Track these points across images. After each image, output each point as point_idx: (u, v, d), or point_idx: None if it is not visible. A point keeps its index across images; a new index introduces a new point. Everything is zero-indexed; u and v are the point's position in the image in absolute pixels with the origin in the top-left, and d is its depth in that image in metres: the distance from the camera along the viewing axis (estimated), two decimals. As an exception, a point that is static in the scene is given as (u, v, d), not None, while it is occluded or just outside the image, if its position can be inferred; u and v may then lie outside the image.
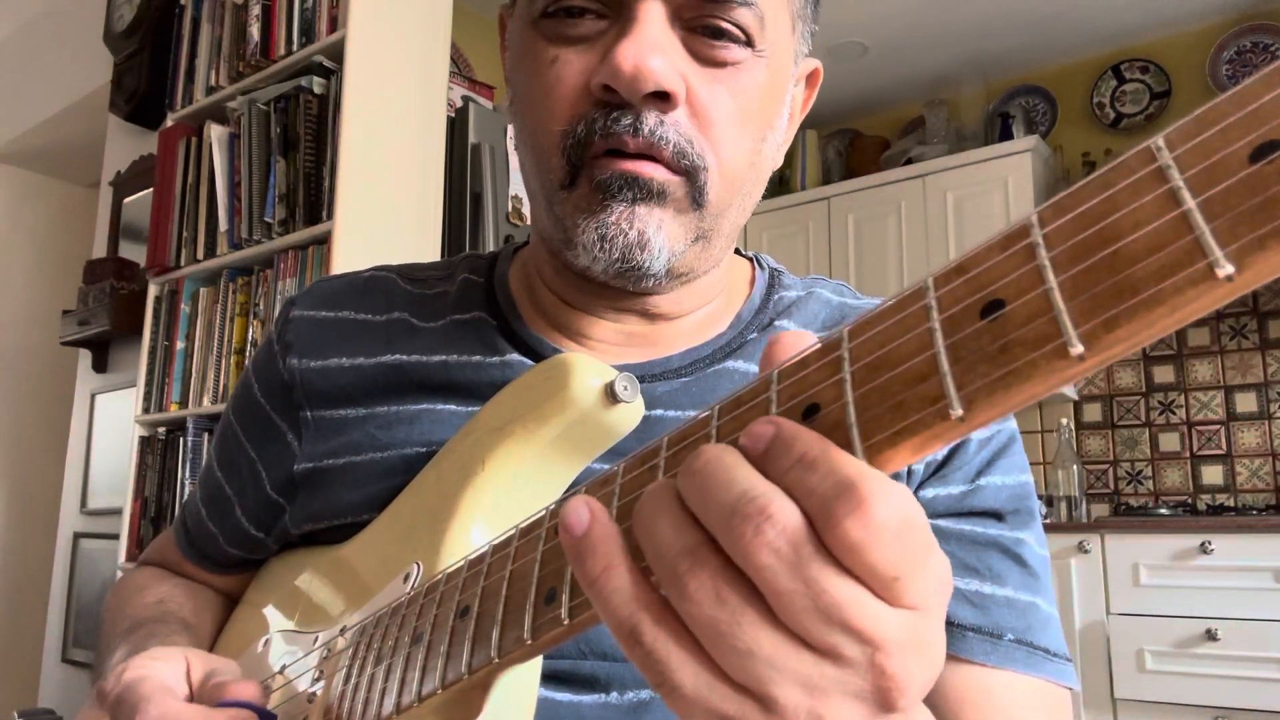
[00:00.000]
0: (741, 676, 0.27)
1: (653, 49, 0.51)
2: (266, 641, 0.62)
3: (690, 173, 0.54)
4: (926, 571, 0.27)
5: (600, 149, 0.54)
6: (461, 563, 0.43)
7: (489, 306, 0.66)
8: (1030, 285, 0.25)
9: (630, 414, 0.52)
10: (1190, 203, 0.22)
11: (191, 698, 0.52)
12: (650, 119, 0.53)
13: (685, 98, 0.53)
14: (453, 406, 0.62)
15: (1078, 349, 0.23)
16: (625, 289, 0.59)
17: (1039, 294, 0.24)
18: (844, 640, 0.26)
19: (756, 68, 0.55)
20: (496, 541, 0.41)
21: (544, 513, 0.39)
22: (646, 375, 0.61)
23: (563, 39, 0.55)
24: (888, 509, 0.26)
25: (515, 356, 0.62)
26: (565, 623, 0.34)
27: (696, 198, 0.55)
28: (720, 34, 0.53)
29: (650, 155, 0.53)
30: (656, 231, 0.54)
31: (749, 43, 0.54)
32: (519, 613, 0.36)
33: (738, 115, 0.55)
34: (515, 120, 0.60)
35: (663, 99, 0.52)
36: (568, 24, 0.54)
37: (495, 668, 0.37)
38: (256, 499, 0.69)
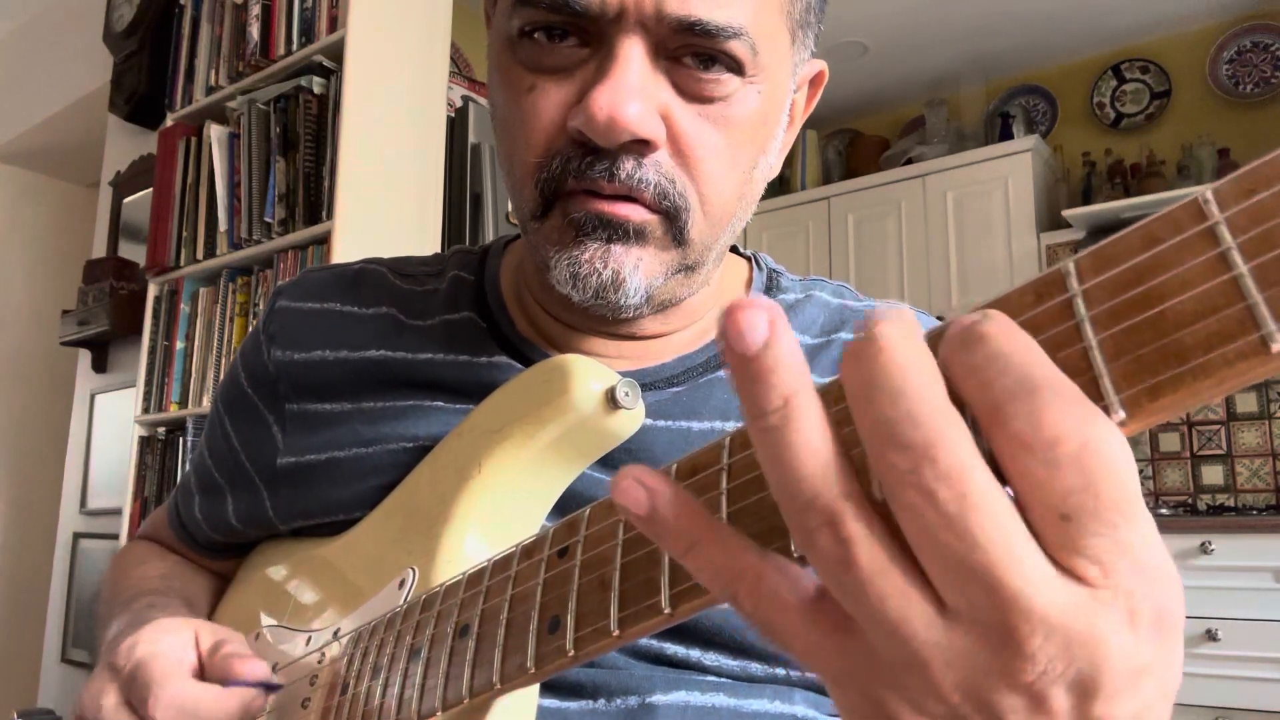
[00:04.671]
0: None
1: (629, 96, 0.48)
2: (257, 636, 0.62)
3: (671, 213, 0.52)
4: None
5: (575, 188, 0.51)
6: (460, 578, 0.43)
7: (478, 307, 0.65)
8: (1068, 341, 0.24)
9: (630, 420, 0.51)
10: (1243, 268, 0.21)
11: (200, 668, 0.52)
12: (628, 164, 0.50)
13: (668, 136, 0.51)
14: (440, 403, 0.60)
15: (1119, 415, 0.22)
16: (606, 317, 0.58)
17: (1077, 351, 0.23)
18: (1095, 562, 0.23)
19: (748, 96, 0.52)
20: (497, 559, 0.41)
21: (546, 534, 0.38)
22: (637, 383, 0.60)
23: (540, 67, 0.51)
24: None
25: (504, 359, 0.61)
26: (570, 654, 0.33)
27: (677, 236, 0.53)
28: (709, 63, 0.50)
29: (629, 196, 0.51)
30: (633, 271, 0.52)
31: (739, 71, 0.51)
32: (521, 639, 0.35)
33: (726, 150, 0.52)
34: (495, 137, 0.58)
35: (641, 143, 0.50)
36: (546, 50, 0.51)
37: (496, 693, 0.37)
38: (244, 489, 0.69)
